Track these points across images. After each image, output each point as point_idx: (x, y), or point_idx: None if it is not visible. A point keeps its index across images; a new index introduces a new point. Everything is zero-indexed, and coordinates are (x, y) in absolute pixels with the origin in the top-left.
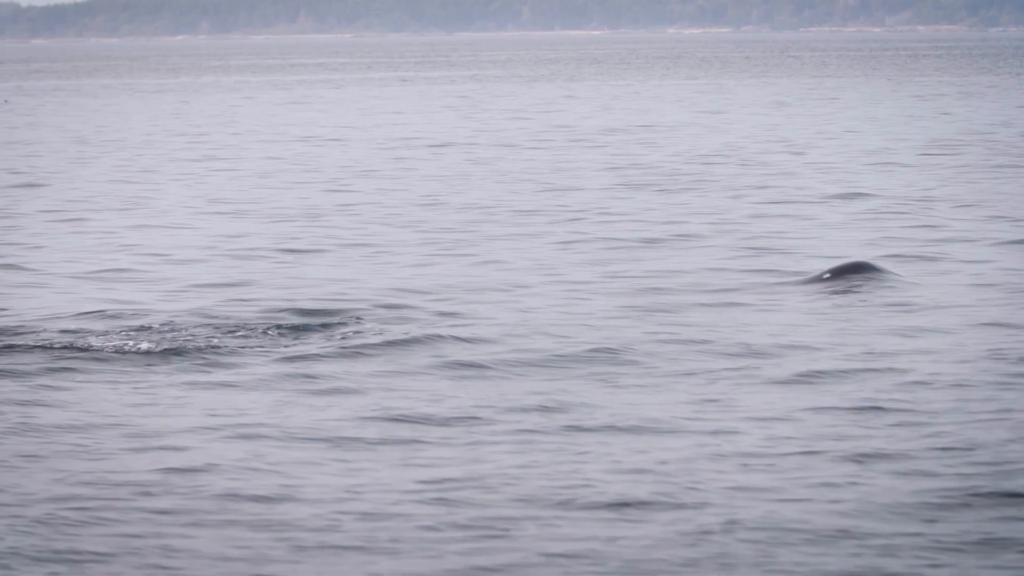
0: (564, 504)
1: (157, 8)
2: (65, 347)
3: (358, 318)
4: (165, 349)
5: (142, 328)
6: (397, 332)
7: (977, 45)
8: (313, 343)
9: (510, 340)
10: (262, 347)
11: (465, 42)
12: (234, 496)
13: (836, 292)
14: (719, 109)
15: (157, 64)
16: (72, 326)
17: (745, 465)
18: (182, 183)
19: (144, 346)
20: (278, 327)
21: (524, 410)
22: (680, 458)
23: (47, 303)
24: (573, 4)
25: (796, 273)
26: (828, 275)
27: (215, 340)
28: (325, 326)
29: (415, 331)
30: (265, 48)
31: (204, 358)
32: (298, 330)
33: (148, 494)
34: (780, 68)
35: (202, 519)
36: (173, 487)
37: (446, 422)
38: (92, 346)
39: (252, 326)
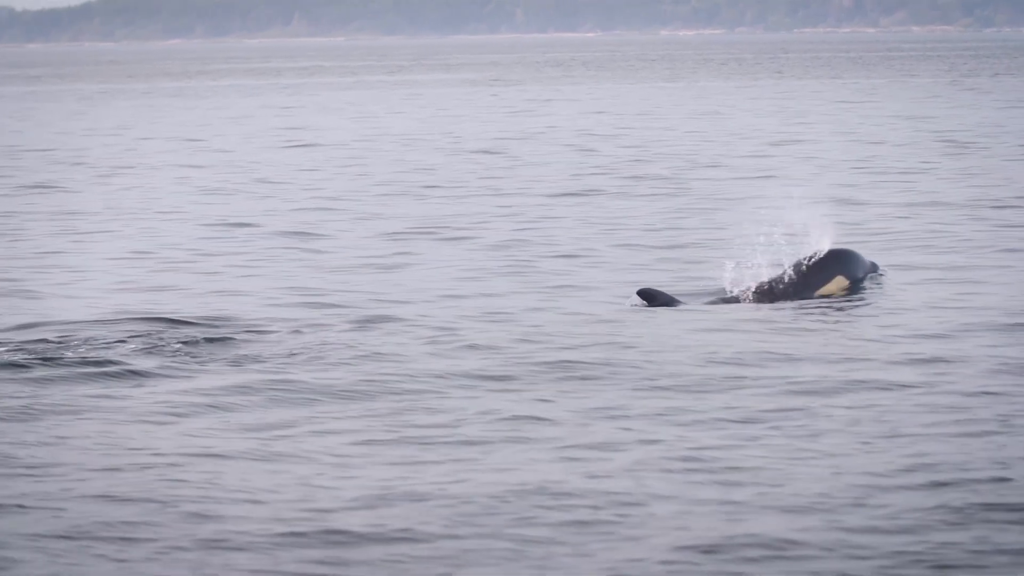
0: (456, 517)
1: (152, 12)
2: None
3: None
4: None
5: (40, 341)
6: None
7: (948, 46)
8: (206, 357)
9: (413, 349)
10: (164, 364)
11: (455, 45)
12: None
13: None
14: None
15: (134, 70)
16: None
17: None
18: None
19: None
20: (184, 342)
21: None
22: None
23: None
24: (566, 6)
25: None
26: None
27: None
28: (212, 340)
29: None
30: (250, 52)
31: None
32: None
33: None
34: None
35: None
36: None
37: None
38: None
39: (148, 339)
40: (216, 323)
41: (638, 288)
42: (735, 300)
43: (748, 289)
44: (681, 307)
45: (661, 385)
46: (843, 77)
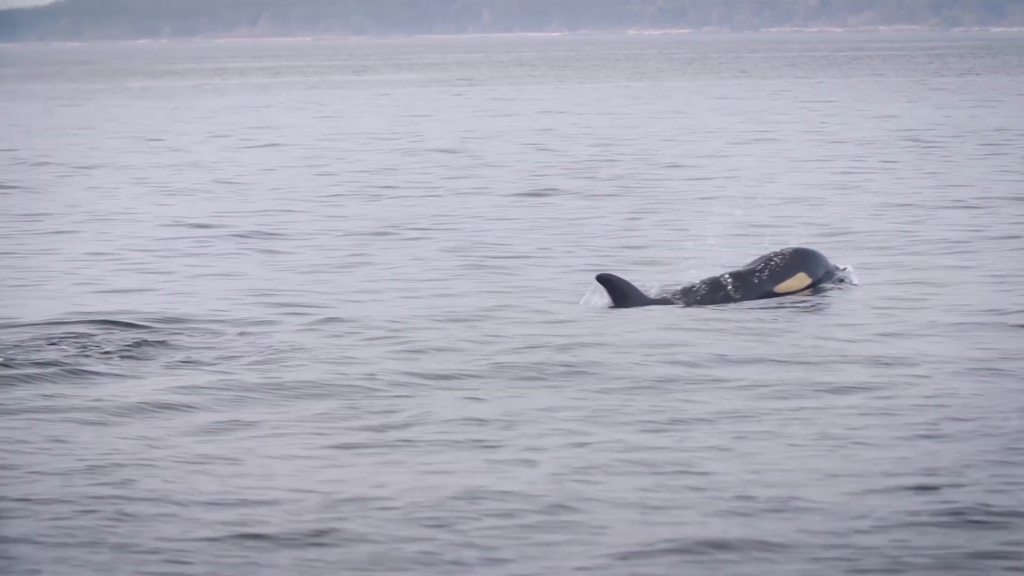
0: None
1: (120, 12)
2: None
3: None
4: None
5: None
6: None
7: (915, 45)
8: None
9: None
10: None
11: (422, 45)
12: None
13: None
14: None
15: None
16: None
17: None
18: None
19: None
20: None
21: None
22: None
23: None
24: (533, 6)
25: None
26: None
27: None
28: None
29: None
30: (217, 52)
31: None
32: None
33: None
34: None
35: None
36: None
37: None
38: None
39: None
40: (169, 324)
41: (597, 274)
42: (694, 293)
43: (708, 283)
44: (637, 302)
45: (614, 387)
46: (809, 76)
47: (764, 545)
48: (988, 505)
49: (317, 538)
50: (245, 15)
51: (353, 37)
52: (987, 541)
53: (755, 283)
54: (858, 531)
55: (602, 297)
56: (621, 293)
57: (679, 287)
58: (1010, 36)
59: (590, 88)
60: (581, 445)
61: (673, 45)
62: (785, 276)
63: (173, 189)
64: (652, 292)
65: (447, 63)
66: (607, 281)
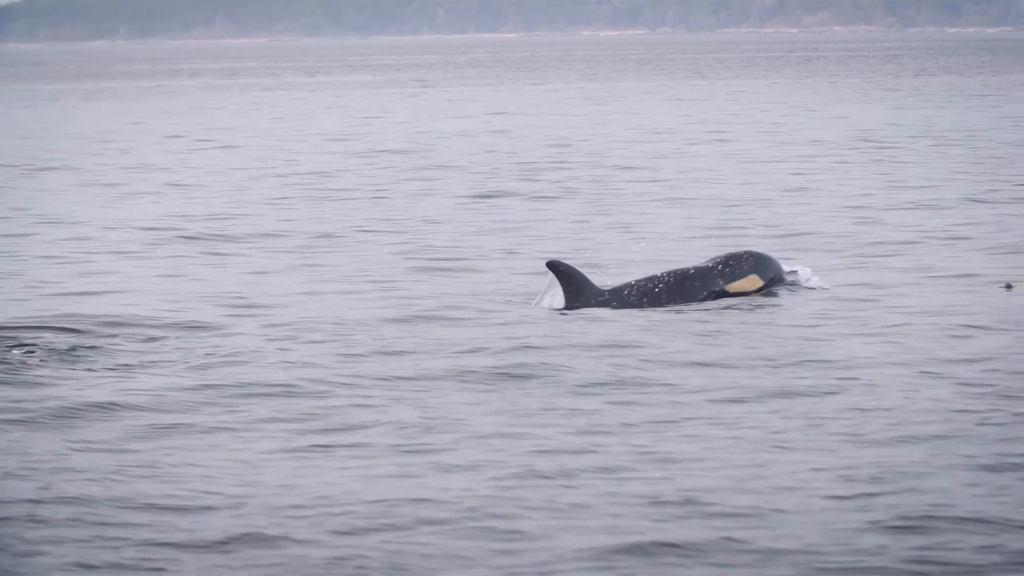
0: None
1: (76, 14)
2: None
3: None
4: None
5: None
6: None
7: (870, 46)
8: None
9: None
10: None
11: (377, 46)
12: None
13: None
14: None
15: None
16: None
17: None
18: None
19: None
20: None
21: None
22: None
23: None
24: (488, 7)
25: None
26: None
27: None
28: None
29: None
30: (173, 53)
31: None
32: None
33: None
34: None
35: None
36: None
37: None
38: None
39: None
40: (112, 327)
41: (548, 260)
42: (648, 291)
43: (660, 281)
44: (588, 292)
45: (554, 391)
46: (764, 77)
47: (676, 548)
48: (903, 511)
49: (241, 543)
50: (201, 16)
51: (308, 39)
52: (901, 546)
53: (707, 282)
54: (769, 535)
55: (554, 298)
56: (572, 281)
57: (630, 284)
58: (965, 37)
59: (543, 90)
60: (516, 451)
61: (629, 46)
62: (737, 277)
63: (123, 192)
64: (602, 286)
65: (401, 64)
66: (556, 268)
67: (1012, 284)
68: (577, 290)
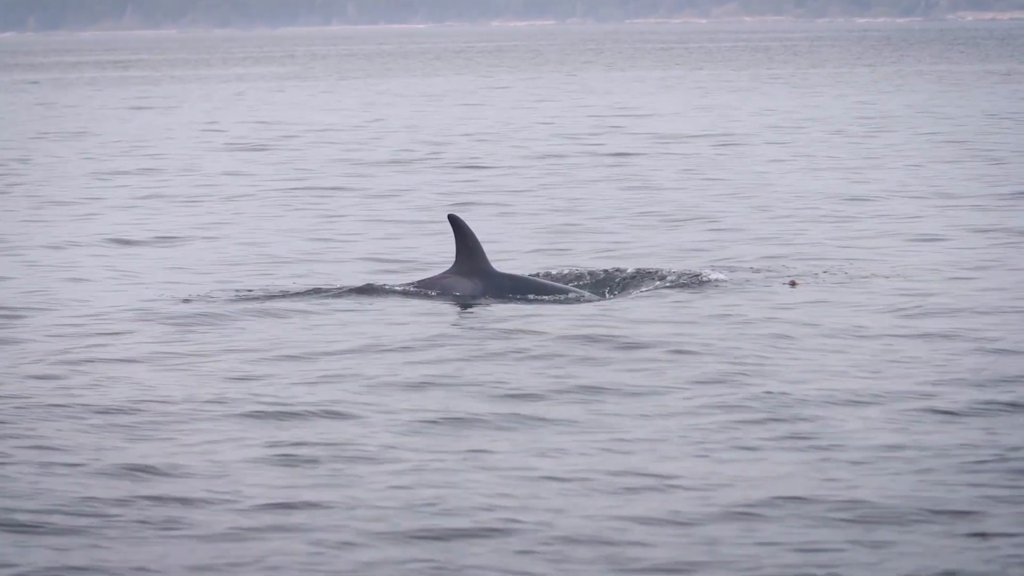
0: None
1: None
2: None
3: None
4: None
5: None
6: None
7: (777, 36)
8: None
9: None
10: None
11: (286, 38)
12: None
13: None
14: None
15: None
16: None
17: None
18: None
19: None
20: None
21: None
22: None
23: None
24: None
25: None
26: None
27: None
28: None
29: None
30: (81, 45)
31: None
32: None
33: None
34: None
35: None
36: None
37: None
38: None
39: None
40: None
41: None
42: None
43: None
44: (481, 259)
45: (467, 393)
46: (672, 68)
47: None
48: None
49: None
50: (111, 8)
51: (218, 30)
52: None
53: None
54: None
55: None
56: (468, 238)
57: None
58: (875, 27)
59: (421, 82)
60: (443, 449)
61: (540, 36)
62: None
63: None
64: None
65: (307, 55)
66: (456, 222)
67: (796, 281)
68: (468, 247)
